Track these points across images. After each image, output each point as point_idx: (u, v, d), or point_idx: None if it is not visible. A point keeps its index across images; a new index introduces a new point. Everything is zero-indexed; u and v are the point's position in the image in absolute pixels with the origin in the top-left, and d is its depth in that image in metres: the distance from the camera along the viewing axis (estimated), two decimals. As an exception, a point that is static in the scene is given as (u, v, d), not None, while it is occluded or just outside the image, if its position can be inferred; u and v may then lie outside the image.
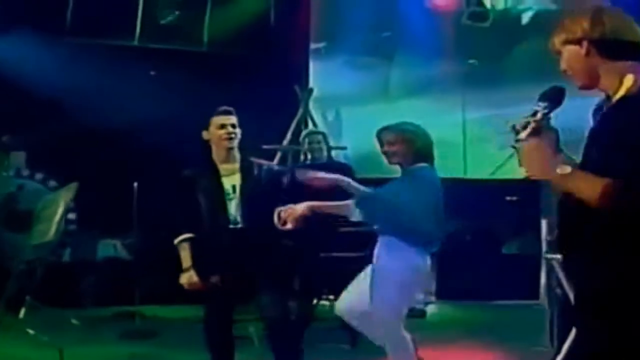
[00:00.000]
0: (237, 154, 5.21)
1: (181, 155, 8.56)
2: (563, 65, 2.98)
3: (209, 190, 5.16)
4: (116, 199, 8.10)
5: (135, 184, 7.60)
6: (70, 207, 8.09)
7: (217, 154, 5.20)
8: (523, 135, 2.84)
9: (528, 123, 2.86)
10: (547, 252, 6.20)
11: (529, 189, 7.55)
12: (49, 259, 8.22)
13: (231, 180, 5.16)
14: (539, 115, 2.88)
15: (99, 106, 8.57)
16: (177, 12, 9.56)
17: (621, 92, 2.81)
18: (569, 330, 5.67)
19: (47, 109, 8.67)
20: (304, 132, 8.38)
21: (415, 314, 8.20)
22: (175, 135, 8.32)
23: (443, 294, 8.96)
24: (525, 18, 10.38)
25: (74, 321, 7.69)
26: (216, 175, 5.16)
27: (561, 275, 5.91)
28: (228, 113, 5.21)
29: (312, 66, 10.22)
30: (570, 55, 2.94)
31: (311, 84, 9.80)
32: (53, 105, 8.57)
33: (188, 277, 5.10)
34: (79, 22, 9.04)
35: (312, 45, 10.24)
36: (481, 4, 9.93)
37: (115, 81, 8.78)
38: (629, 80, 2.81)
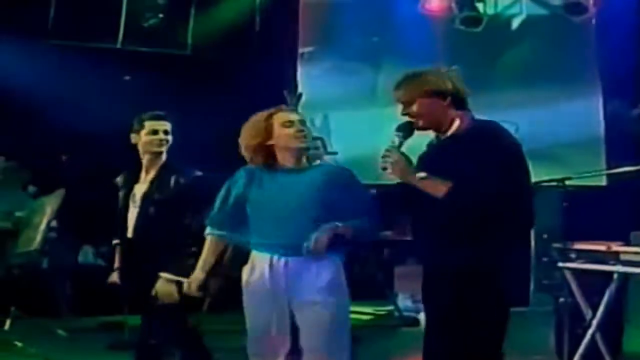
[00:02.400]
0: (161, 161, 5.19)
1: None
2: (414, 110, 4.11)
3: (122, 198, 5.25)
4: (98, 205, 8.19)
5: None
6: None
7: (144, 160, 5.18)
8: (393, 144, 4.12)
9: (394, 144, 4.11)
10: (561, 260, 6.23)
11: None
12: (32, 267, 8.28)
13: (142, 189, 5.16)
14: (397, 141, 4.12)
15: (81, 110, 8.71)
16: (160, 15, 9.67)
17: (451, 131, 4.10)
18: (580, 340, 5.97)
19: (27, 112, 8.84)
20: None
21: (408, 323, 8.44)
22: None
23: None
24: (516, 23, 10.63)
25: (60, 332, 7.78)
26: (133, 183, 5.20)
27: (573, 284, 6.11)
28: (161, 118, 5.20)
29: (300, 71, 10.46)
30: (430, 104, 4.08)
31: (300, 88, 10.04)
32: (33, 108, 8.73)
33: (110, 277, 5.35)
34: (62, 25, 9.13)
35: (301, 50, 10.46)
36: (474, 9, 10.12)
37: (97, 85, 8.89)
38: (456, 122, 4.09)
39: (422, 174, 4.02)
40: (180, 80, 9.22)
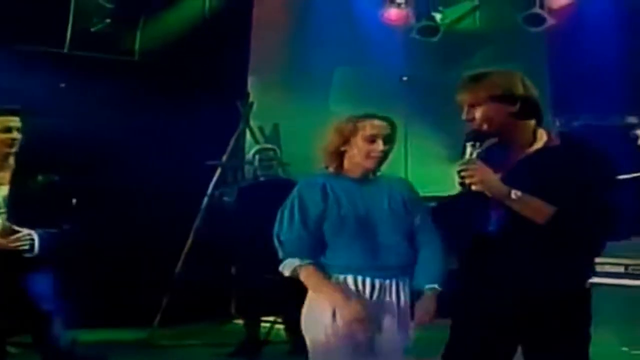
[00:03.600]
0: (12, 161, 4.97)
1: (113, 167, 8.81)
2: (476, 116, 3.74)
3: None
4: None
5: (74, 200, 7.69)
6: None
7: None
8: (472, 157, 3.70)
9: (475, 145, 3.71)
10: None
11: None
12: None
13: (1, 192, 4.94)
14: (474, 152, 3.70)
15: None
16: (108, 20, 9.65)
17: (538, 145, 3.74)
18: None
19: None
20: (255, 149, 8.74)
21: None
22: (105, 147, 8.46)
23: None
24: (473, 34, 10.79)
25: (11, 349, 7.70)
26: None
27: None
28: (14, 113, 4.94)
29: (252, 79, 10.54)
30: (495, 110, 3.71)
31: (251, 97, 10.12)
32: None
33: None
34: (5, 27, 9.08)
35: (252, 58, 10.50)
36: (431, 19, 10.25)
37: (41, 90, 8.86)
38: (542, 134, 3.76)
39: (519, 192, 3.59)
40: (127, 86, 9.20)
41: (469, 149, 3.68)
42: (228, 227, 8.33)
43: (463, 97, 3.79)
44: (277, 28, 10.62)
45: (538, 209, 3.55)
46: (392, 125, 4.29)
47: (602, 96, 9.49)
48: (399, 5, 10.26)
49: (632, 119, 9.78)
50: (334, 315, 4.09)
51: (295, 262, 4.16)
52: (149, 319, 8.98)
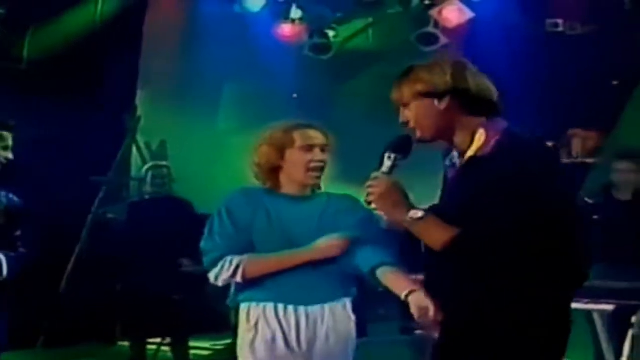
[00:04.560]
0: None
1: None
2: (408, 116, 3.29)
3: None
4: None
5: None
6: None
7: None
8: (384, 169, 3.29)
9: (385, 169, 3.29)
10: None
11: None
12: None
13: None
14: (388, 164, 3.29)
15: None
16: (-2, 27, 9.53)
17: (472, 151, 3.17)
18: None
19: None
20: (147, 166, 8.65)
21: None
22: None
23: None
24: (366, 52, 10.96)
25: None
26: None
27: (601, 329, 5.85)
28: (7, 128, 4.84)
29: (140, 93, 10.49)
30: (424, 108, 3.23)
31: (139, 111, 10.12)
32: None
33: None
34: None
35: (142, 71, 10.47)
36: (324, 36, 10.39)
37: None
38: (480, 137, 3.16)
39: (419, 213, 3.14)
40: (13, 94, 9.07)
41: (385, 161, 3.29)
42: (114, 246, 8.28)
43: (393, 97, 3.37)
44: (168, 41, 10.62)
45: (434, 233, 3.10)
46: (327, 137, 4.11)
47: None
48: (293, 21, 10.33)
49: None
50: (273, 340, 3.89)
51: (236, 258, 3.90)
52: (33, 340, 8.87)
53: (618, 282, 5.34)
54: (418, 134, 3.29)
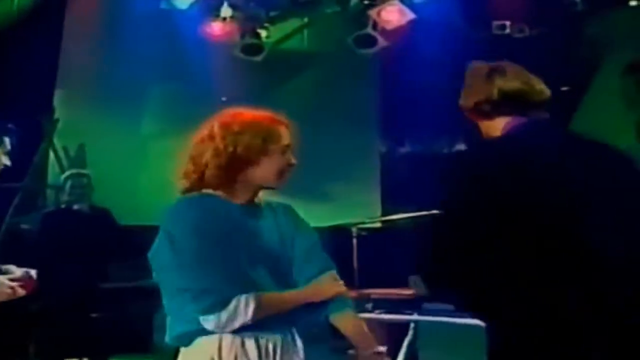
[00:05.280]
0: None
1: None
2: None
3: None
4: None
5: None
6: None
7: None
8: None
9: None
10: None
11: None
12: None
13: None
14: None
15: None
16: None
17: None
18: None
19: None
20: (66, 174, 8.43)
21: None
22: None
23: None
24: (300, 54, 10.72)
25: None
26: None
27: None
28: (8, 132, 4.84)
29: (57, 94, 10.09)
30: None
31: (56, 113, 9.66)
32: None
33: None
34: None
35: (60, 71, 10.11)
36: (256, 36, 10.06)
37: None
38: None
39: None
40: None
41: None
42: (27, 259, 7.94)
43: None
44: (89, 38, 10.20)
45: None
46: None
47: (432, 122, 9.59)
48: (223, 19, 10.01)
49: (461, 146, 9.93)
50: None
51: (250, 296, 3.38)
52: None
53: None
54: None
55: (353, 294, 6.05)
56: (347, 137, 10.21)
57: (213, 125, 3.65)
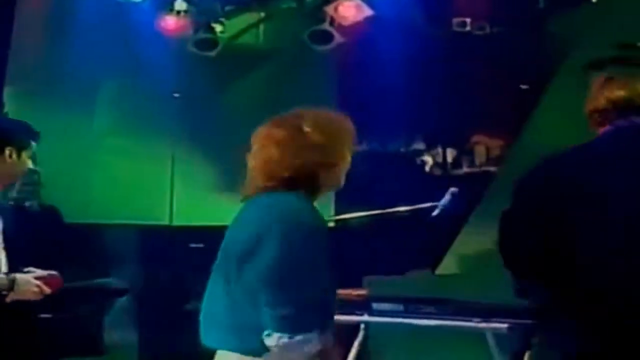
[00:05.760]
0: None
1: None
2: None
3: None
4: None
5: None
6: None
7: None
8: None
9: None
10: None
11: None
12: None
13: None
14: None
15: None
16: None
17: None
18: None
19: None
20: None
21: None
22: None
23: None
24: (256, 50, 10.64)
25: None
26: None
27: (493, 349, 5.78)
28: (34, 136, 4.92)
29: (7, 89, 9.83)
30: None
31: (6, 108, 9.55)
32: None
33: None
34: None
35: (10, 65, 9.88)
36: (210, 31, 9.96)
37: None
38: None
39: None
40: None
41: None
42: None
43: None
44: (39, 33, 10.10)
45: None
46: None
47: (390, 120, 9.57)
48: (177, 13, 9.88)
49: (419, 145, 9.92)
50: None
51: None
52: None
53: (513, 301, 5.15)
54: None
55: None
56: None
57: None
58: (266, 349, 3.27)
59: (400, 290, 5.95)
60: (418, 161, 10.08)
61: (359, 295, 5.96)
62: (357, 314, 5.93)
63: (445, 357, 7.08)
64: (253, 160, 3.62)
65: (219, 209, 9.39)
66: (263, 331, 3.27)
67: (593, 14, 9.09)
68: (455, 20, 9.50)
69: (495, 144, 9.30)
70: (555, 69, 9.22)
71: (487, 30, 9.57)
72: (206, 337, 3.55)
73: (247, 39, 10.62)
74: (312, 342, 3.26)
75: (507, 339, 5.40)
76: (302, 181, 3.45)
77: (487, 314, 5.32)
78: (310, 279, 3.28)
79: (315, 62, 10.10)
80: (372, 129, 9.86)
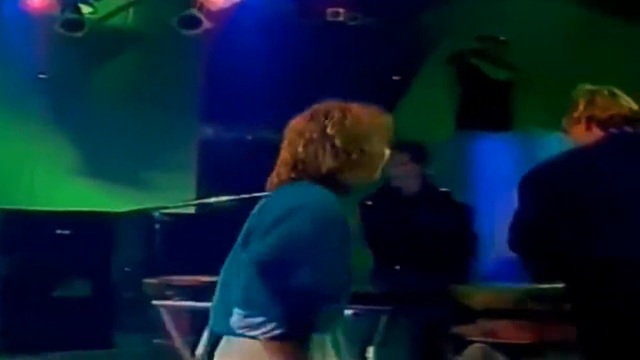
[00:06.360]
0: None
1: None
2: None
3: None
4: None
5: None
6: None
7: None
8: None
9: None
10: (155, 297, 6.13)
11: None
12: None
13: None
14: None
15: None
16: None
17: None
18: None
19: None
20: None
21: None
22: None
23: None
24: (124, 33, 10.54)
25: None
26: None
27: (168, 323, 6.09)
28: None
29: None
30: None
31: None
32: None
33: None
34: None
35: None
36: (77, 11, 9.83)
37: None
38: None
39: None
40: None
41: None
42: None
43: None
44: None
45: None
46: None
47: (257, 108, 9.64)
48: (43, -9, 9.74)
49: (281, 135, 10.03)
50: None
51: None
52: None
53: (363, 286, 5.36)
54: None
55: (154, 280, 6.12)
56: (166, 121, 10.18)
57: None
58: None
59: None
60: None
61: (210, 282, 5.97)
62: (208, 301, 5.93)
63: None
64: (283, 152, 3.70)
65: (80, 193, 9.39)
66: None
67: (464, 7, 9.31)
68: (329, 10, 9.59)
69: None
70: (425, 61, 9.43)
71: (360, 20, 9.67)
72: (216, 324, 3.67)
73: (116, 21, 10.50)
74: (265, 327, 3.27)
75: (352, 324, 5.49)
76: (325, 177, 3.56)
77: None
78: (303, 272, 3.28)
79: (183, 47, 10.09)
80: (240, 116, 9.93)
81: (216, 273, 6.17)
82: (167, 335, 6.38)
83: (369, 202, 6.92)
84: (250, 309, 3.29)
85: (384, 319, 5.58)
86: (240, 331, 3.34)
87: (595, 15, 8.67)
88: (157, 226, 7.33)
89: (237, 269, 3.44)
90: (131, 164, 9.68)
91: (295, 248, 3.30)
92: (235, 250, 3.58)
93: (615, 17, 8.50)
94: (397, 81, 9.94)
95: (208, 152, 10.43)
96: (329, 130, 3.65)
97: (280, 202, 3.49)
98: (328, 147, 3.60)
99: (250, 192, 6.73)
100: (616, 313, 3.79)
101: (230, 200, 7.01)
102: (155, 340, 7.35)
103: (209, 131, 10.70)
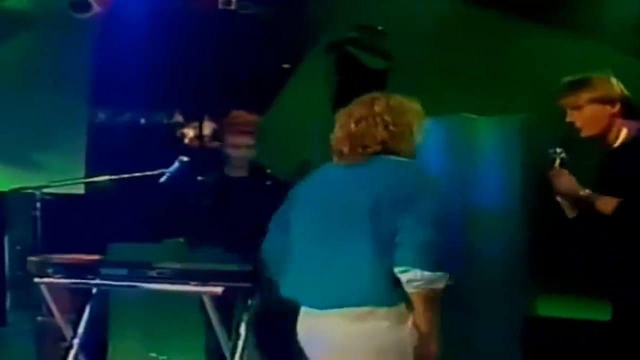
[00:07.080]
0: None
1: None
2: (576, 118, 4.76)
3: None
4: None
5: None
6: None
7: None
8: (557, 165, 4.82)
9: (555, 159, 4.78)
10: (38, 275, 6.23)
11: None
12: None
13: None
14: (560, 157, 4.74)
15: None
16: None
17: (619, 142, 4.74)
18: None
19: None
20: None
21: None
22: None
23: None
24: (17, 14, 10.52)
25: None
26: None
27: (51, 301, 6.25)
28: None
29: None
30: (596, 112, 4.71)
31: None
32: None
33: None
34: None
35: None
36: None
37: None
38: (624, 133, 4.73)
39: (588, 191, 4.70)
40: None
41: (557, 159, 4.80)
42: None
43: (567, 101, 4.78)
44: None
45: (604, 202, 4.57)
46: None
47: (150, 93, 9.77)
48: None
49: (179, 118, 10.24)
50: None
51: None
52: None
53: (229, 265, 5.58)
54: (585, 132, 4.77)
55: (35, 258, 6.25)
56: (57, 104, 10.23)
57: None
58: (401, 300, 4.02)
59: (140, 257, 6.06)
60: (178, 134, 10.42)
61: (90, 261, 6.10)
62: (88, 279, 6.04)
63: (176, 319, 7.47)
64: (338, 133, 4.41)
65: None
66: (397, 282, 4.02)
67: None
68: (221, -2, 9.80)
69: (253, 120, 9.65)
70: (308, 50, 9.66)
71: (252, 9, 9.88)
72: (313, 300, 4.28)
73: (10, 3, 10.52)
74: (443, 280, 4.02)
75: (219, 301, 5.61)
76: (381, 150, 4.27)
77: (204, 277, 5.55)
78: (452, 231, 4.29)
79: (75, 31, 10.18)
80: (133, 101, 10.05)
81: (97, 252, 6.33)
82: (50, 313, 6.52)
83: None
84: (429, 266, 3.96)
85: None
86: (415, 286, 3.98)
87: (469, 7, 9.03)
88: (38, 205, 7.44)
89: (355, 246, 4.09)
90: (21, 146, 9.72)
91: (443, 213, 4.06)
92: (338, 228, 4.20)
93: (487, 10, 8.86)
94: (288, 69, 10.17)
95: (98, 135, 10.49)
96: (376, 108, 4.35)
97: (400, 178, 4.16)
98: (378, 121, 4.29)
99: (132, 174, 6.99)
100: None
101: (111, 180, 7.18)
102: (40, 318, 7.48)
103: (100, 114, 10.80)
